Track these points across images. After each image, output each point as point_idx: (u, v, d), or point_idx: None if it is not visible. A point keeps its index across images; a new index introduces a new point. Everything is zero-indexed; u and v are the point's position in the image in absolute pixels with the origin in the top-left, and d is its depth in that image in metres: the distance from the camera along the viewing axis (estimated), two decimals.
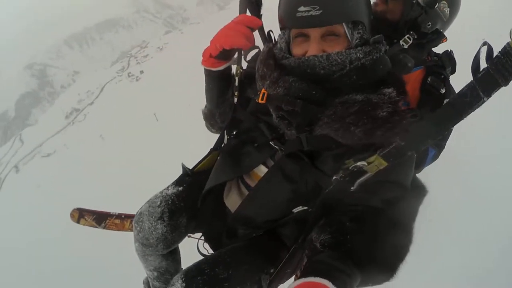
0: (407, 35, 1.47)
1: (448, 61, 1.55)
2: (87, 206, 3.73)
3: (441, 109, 0.88)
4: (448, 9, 1.53)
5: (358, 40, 0.98)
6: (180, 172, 1.38)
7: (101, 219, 1.71)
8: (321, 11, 0.91)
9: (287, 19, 1.00)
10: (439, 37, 1.53)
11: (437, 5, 1.48)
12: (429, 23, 1.51)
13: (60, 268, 3.29)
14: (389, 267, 0.92)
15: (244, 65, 1.28)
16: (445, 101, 0.97)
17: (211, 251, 1.33)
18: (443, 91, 1.44)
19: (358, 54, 0.96)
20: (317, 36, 0.97)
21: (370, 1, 1.04)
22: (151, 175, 3.39)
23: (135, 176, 3.62)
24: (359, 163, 0.93)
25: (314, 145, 0.98)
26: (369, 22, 1.02)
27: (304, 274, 0.80)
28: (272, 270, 1.14)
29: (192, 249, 1.38)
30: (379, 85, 0.95)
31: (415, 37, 1.48)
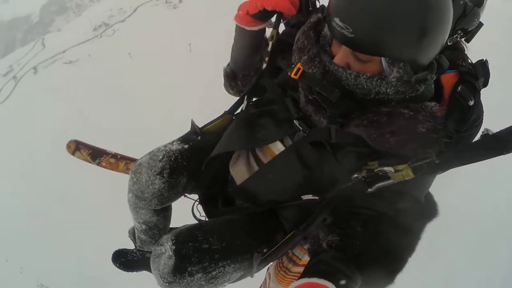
0: (455, 34, 1.38)
1: (481, 72, 1.44)
2: (100, 121, 3.64)
3: (483, 139, 0.80)
4: None
5: (394, 80, 0.83)
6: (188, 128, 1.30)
7: (96, 155, 1.67)
8: (353, 35, 0.78)
9: (327, 19, 0.87)
10: (478, 27, 1.46)
11: (484, 2, 1.38)
12: (475, 19, 1.41)
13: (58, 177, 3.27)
14: (390, 276, 0.91)
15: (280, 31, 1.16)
16: (484, 130, 0.87)
17: (203, 214, 1.29)
18: (471, 103, 1.33)
19: (388, 90, 0.84)
20: (347, 50, 0.85)
21: (441, 37, 0.83)
22: (175, 104, 3.17)
23: (158, 101, 3.40)
24: (386, 168, 0.86)
25: (341, 139, 0.90)
26: (424, 60, 0.85)
27: (307, 274, 0.78)
28: (265, 250, 1.11)
29: (184, 208, 1.34)
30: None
31: (462, 34, 1.39)
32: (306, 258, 1.37)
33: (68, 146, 1.65)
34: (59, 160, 2.00)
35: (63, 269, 2.91)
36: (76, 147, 1.64)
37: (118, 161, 1.65)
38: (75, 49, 5.18)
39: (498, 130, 0.77)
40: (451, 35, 1.36)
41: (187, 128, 1.32)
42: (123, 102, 3.63)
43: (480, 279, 2.15)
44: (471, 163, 0.83)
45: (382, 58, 0.82)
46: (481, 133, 0.81)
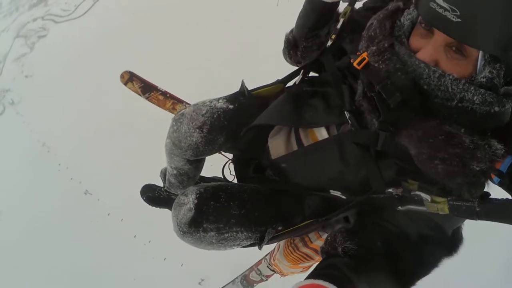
0: None
1: None
2: (176, 55, 3.75)
3: None
4: None
5: (485, 80, 0.72)
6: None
7: (147, 89, 1.73)
8: (459, 19, 0.65)
9: (419, 1, 0.75)
10: None
11: None
12: None
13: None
14: None
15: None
16: None
17: (233, 173, 1.32)
18: None
19: (475, 97, 0.72)
20: (441, 42, 0.72)
21: None
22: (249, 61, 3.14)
23: (242, 56, 3.39)
24: (423, 195, 0.80)
25: (388, 149, 0.83)
26: None
27: (316, 276, 0.76)
28: (280, 228, 1.12)
29: (217, 162, 1.39)
30: (487, 131, 0.76)
31: None
32: (317, 243, 1.38)
33: (122, 76, 1.71)
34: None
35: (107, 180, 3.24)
36: (130, 78, 1.69)
37: (166, 99, 1.69)
38: None
39: None
40: None
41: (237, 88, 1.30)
42: (208, 44, 3.62)
43: (479, 279, 2.11)
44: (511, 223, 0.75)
45: (480, 55, 0.70)
46: None
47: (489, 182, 0.79)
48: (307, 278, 0.76)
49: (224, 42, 3.61)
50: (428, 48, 0.75)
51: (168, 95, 1.74)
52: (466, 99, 0.73)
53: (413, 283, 0.88)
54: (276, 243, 1.64)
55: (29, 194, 3.59)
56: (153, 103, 1.78)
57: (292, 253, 1.48)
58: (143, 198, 1.55)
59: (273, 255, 1.67)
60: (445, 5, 0.66)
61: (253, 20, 3.58)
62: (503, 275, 2.19)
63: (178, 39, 3.87)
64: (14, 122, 4.39)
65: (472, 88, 0.72)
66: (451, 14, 0.65)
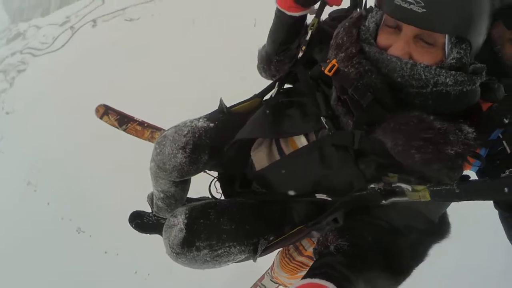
0: None
1: None
2: (160, 81, 3.77)
3: (508, 178, 0.75)
4: None
5: (454, 61, 0.78)
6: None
7: (123, 121, 1.71)
8: (424, 10, 0.72)
9: (383, 0, 0.81)
10: None
11: None
12: None
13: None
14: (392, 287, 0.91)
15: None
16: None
17: (220, 191, 1.32)
18: (506, 121, 1.18)
19: (447, 80, 0.78)
20: (410, 35, 0.79)
21: (488, 20, 0.80)
22: (230, 78, 3.21)
23: (212, 71, 3.42)
24: (403, 185, 0.84)
25: (365, 147, 0.87)
26: (479, 43, 0.81)
27: (312, 275, 0.78)
28: (271, 238, 1.13)
29: (202, 182, 1.39)
30: (458, 116, 0.81)
31: None
32: (311, 250, 1.39)
33: (97, 110, 1.69)
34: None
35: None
36: (105, 111, 1.68)
37: (144, 129, 1.69)
38: (137, 8, 5.26)
39: None
40: None
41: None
42: (181, 64, 3.67)
43: (477, 276, 2.12)
44: (490, 200, 0.78)
45: (447, 39, 0.76)
46: (510, 170, 0.75)
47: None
48: (304, 278, 0.78)
49: (199, 69, 3.67)
50: (399, 43, 0.80)
51: (145, 124, 1.73)
52: (439, 83, 0.78)
53: (407, 274, 0.91)
54: (274, 256, 1.64)
55: (20, 236, 3.47)
56: (131, 134, 1.76)
57: (288, 264, 1.47)
58: (132, 225, 1.53)
59: (273, 268, 1.65)
60: None
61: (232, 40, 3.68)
62: (503, 270, 2.21)
63: (156, 68, 3.91)
64: None
65: (443, 71, 0.78)
66: (416, 6, 0.72)
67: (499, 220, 0.95)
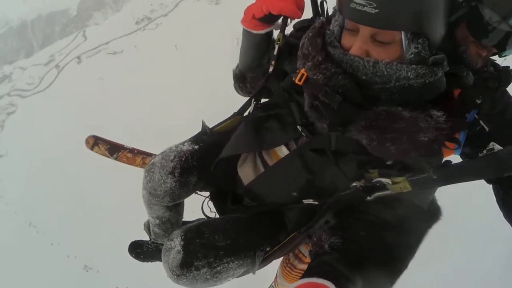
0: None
1: (505, 79, 1.29)
2: (148, 110, 3.84)
3: (484, 157, 0.79)
4: None
5: (413, 56, 0.83)
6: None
7: (114, 150, 1.72)
8: (377, 10, 0.76)
9: (341, 5, 0.86)
10: None
11: None
12: None
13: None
14: (390, 280, 0.93)
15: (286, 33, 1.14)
16: (491, 144, 0.83)
17: (213, 210, 1.35)
18: (479, 101, 1.22)
19: (408, 74, 0.82)
20: (366, 35, 0.83)
21: (446, 12, 0.83)
22: (223, 97, 3.26)
23: (204, 96, 3.50)
24: (383, 180, 0.88)
25: (342, 147, 0.91)
26: (437, 37, 0.85)
27: (309, 274, 0.80)
28: (268, 249, 1.15)
29: (196, 204, 1.41)
30: (428, 103, 0.85)
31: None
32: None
33: (87, 141, 1.70)
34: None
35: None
36: (95, 142, 1.69)
37: (135, 156, 1.70)
38: (119, 41, 5.39)
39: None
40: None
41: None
42: (169, 91, 3.74)
43: (478, 277, 2.12)
44: (471, 180, 0.81)
45: (403, 35, 0.81)
46: (487, 148, 0.79)
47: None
48: (302, 277, 0.80)
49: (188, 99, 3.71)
50: (357, 43, 0.85)
51: (136, 151, 1.74)
52: (402, 77, 0.83)
53: (403, 264, 0.94)
54: (274, 266, 1.65)
55: (28, 279, 3.43)
56: (122, 162, 1.76)
57: (290, 273, 1.48)
58: (132, 255, 1.54)
59: (276, 280, 1.66)
60: (362, 1, 0.77)
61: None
62: (503, 271, 2.24)
63: (144, 96, 3.96)
64: None
65: (404, 66, 0.82)
66: (369, 7, 0.77)
67: (499, 221, 0.98)
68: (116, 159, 1.71)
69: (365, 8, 0.77)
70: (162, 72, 4.04)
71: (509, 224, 0.92)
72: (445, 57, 0.87)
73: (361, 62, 0.84)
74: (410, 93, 0.84)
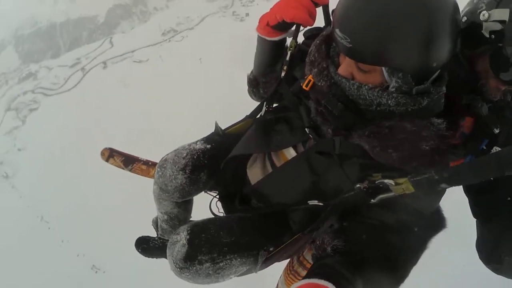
0: None
1: None
2: (169, 119, 3.85)
3: (486, 158, 0.80)
4: None
5: (394, 89, 0.85)
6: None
7: (128, 162, 1.77)
8: (351, 45, 0.81)
9: (332, 32, 0.90)
10: None
11: None
12: None
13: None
14: (392, 285, 0.94)
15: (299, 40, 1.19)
16: (495, 148, 0.84)
17: (221, 210, 1.37)
18: (496, 131, 1.19)
19: (389, 101, 0.85)
20: (350, 60, 0.87)
21: (436, 46, 0.80)
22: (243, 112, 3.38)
23: (223, 108, 3.57)
24: (386, 181, 0.89)
25: (346, 150, 0.94)
26: (425, 69, 0.83)
27: (310, 275, 0.82)
28: (271, 249, 1.16)
29: (204, 203, 1.43)
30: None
31: None
32: None
33: (102, 154, 1.75)
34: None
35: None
36: (110, 154, 1.74)
37: (149, 168, 1.73)
38: (145, 50, 5.50)
39: None
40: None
41: None
42: (191, 102, 3.80)
43: (479, 277, 2.05)
44: (472, 182, 0.81)
45: (383, 68, 0.84)
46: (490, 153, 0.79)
47: None
48: (303, 278, 0.81)
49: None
50: (343, 65, 0.90)
51: (150, 163, 1.79)
52: (382, 103, 0.87)
53: (405, 270, 0.94)
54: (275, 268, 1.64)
55: (36, 275, 3.47)
56: (137, 173, 1.81)
57: (294, 280, 1.47)
58: (138, 250, 1.57)
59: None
60: (341, 35, 0.82)
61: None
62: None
63: (166, 107, 4.03)
64: (11, 197, 4.39)
65: (385, 94, 0.85)
66: (346, 41, 0.82)
67: None
68: (130, 170, 1.75)
69: (343, 41, 0.82)
70: (186, 83, 4.14)
71: None
72: (430, 86, 0.85)
73: (347, 84, 0.89)
74: (392, 116, 0.87)
